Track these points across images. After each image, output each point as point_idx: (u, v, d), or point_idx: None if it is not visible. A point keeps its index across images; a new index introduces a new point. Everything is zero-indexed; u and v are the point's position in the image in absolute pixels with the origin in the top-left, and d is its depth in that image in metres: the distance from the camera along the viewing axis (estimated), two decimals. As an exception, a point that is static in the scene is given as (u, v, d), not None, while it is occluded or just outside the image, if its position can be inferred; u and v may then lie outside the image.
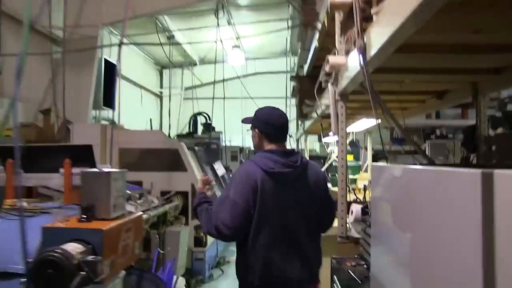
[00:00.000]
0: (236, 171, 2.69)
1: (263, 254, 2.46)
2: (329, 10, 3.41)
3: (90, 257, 2.01)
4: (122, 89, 10.49)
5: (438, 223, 1.24)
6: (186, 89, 15.79)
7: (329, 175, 7.40)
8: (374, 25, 2.11)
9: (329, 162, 7.80)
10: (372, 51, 2.08)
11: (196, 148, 6.89)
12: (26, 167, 3.99)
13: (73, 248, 2.00)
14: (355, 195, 5.04)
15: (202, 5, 9.76)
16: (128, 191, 4.29)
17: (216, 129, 11.51)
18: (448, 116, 9.55)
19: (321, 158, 9.75)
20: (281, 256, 2.49)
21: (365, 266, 2.85)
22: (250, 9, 10.83)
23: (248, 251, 2.49)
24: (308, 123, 6.72)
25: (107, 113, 9.03)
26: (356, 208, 3.34)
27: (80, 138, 5.80)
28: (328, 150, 8.11)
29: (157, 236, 4.38)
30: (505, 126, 4.42)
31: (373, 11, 2.07)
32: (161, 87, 16.06)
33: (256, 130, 2.70)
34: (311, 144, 11.06)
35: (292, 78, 7.37)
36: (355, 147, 8.50)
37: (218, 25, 8.42)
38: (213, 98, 9.58)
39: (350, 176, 6.32)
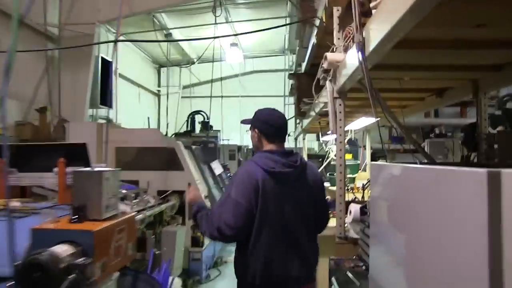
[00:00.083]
0: (237, 171, 2.69)
1: (264, 254, 2.47)
2: (327, 5, 3.37)
3: (79, 260, 1.94)
4: (120, 87, 10.51)
5: (441, 224, 1.19)
6: (184, 87, 15.75)
7: (328, 174, 7.35)
8: (373, 20, 2.05)
9: (328, 161, 7.75)
10: (371, 46, 2.03)
11: (193, 147, 6.83)
12: (20, 166, 3.94)
13: (62, 250, 1.94)
14: (354, 194, 4.98)
15: (199, 2, 9.70)
16: (124, 191, 4.24)
17: (214, 128, 11.47)
18: (446, 114, 9.53)
19: (320, 157, 9.71)
20: (281, 256, 2.51)
21: (364, 267, 2.79)
22: (248, 6, 10.77)
23: (248, 251, 2.49)
24: (306, 122, 6.66)
25: (104, 111, 8.95)
26: (354, 208, 3.29)
27: (76, 137, 5.73)
28: (327, 149, 8.06)
29: (153, 236, 4.32)
30: (505, 124, 4.38)
31: (372, 4, 2.01)
32: (159, 85, 16.00)
33: (256, 130, 2.71)
34: (309, 143, 11.02)
35: (290, 76, 7.33)
36: (353, 146, 8.47)
37: (215, 22, 8.34)
38: (210, 96, 9.53)
39: (349, 175, 6.27)
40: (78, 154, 3.81)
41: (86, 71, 7.56)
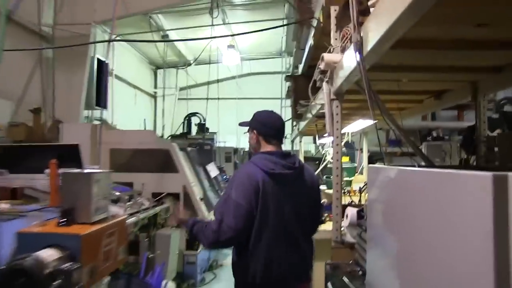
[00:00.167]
0: (236, 173, 2.73)
1: (264, 255, 2.49)
2: (324, 5, 3.32)
3: (66, 265, 1.88)
4: (116, 89, 10.46)
5: (442, 230, 1.14)
6: (181, 89, 15.69)
7: (324, 177, 7.29)
8: (371, 18, 2.00)
9: (324, 163, 7.68)
10: (369, 45, 1.97)
11: (188, 149, 6.76)
12: (12, 167, 3.88)
13: (48, 255, 1.87)
14: (350, 197, 4.92)
15: (196, 4, 9.65)
16: (117, 193, 4.18)
17: (211, 130, 11.42)
18: (444, 118, 9.49)
19: (316, 159, 9.65)
20: (281, 256, 2.54)
21: (360, 272, 2.73)
22: (245, 8, 10.72)
23: (249, 252, 2.50)
24: (303, 124, 6.61)
25: (99, 113, 8.89)
26: (351, 212, 3.22)
27: (70, 138, 5.66)
28: (323, 152, 7.99)
29: (146, 239, 4.25)
30: (502, 127, 4.34)
31: (370, 2, 1.96)
32: (156, 87, 15.93)
33: (255, 131, 2.74)
34: (306, 146, 10.96)
35: (287, 77, 7.28)
36: (350, 149, 8.40)
37: (212, 23, 8.29)
38: (207, 98, 9.49)
39: (345, 178, 6.21)
40: (70, 155, 3.76)
41: (81, 72, 7.50)
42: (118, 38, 9.96)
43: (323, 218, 4.86)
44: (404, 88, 3.58)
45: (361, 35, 2.07)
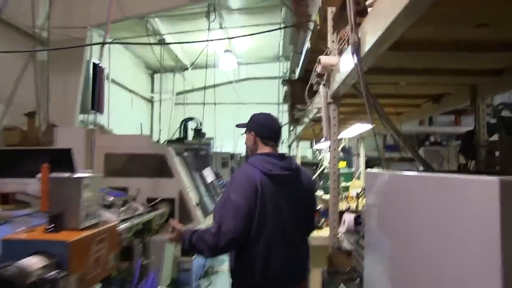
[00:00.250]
0: (235, 174, 2.74)
1: (262, 255, 2.50)
2: (321, 7, 3.27)
3: (52, 273, 1.81)
4: (112, 93, 10.41)
5: (444, 237, 1.09)
6: (178, 94, 15.63)
7: (321, 182, 7.24)
8: (368, 19, 1.95)
9: (321, 168, 7.63)
10: (367, 46, 1.92)
11: (184, 154, 6.69)
12: (4, 171, 3.81)
13: (33, 262, 1.80)
14: (348, 203, 4.87)
15: (193, 8, 9.61)
16: (111, 198, 4.11)
17: (208, 135, 11.36)
18: (441, 123, 9.47)
19: (313, 164, 9.60)
20: (279, 257, 2.55)
21: (358, 280, 2.67)
22: (242, 12, 10.68)
23: (247, 253, 2.51)
24: (299, 129, 6.57)
25: (95, 117, 8.82)
26: (348, 218, 3.18)
27: (64, 142, 5.58)
28: (320, 157, 7.95)
29: (140, 245, 4.17)
30: (500, 132, 4.29)
31: (368, 2, 1.91)
32: (152, 91, 15.87)
33: (252, 132, 2.76)
34: (303, 151, 10.91)
35: (283, 82, 7.24)
36: (347, 154, 8.36)
37: (209, 27, 8.25)
38: (203, 103, 9.44)
39: (343, 184, 6.17)
40: (63, 159, 3.69)
41: (76, 76, 7.43)
42: (111, 40, 9.92)
43: (320, 224, 4.83)
44: (401, 92, 3.54)
45: (359, 36, 2.02)
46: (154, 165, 5.77)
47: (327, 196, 4.91)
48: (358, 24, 2.08)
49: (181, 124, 11.10)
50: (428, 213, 1.18)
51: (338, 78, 2.67)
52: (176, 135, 10.87)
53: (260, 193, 2.48)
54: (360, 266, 2.64)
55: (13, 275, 1.67)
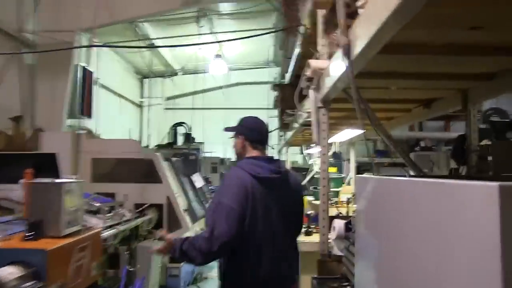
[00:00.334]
0: (225, 178, 2.71)
1: (253, 258, 2.50)
2: (311, 11, 3.23)
3: (28, 284, 1.73)
4: (101, 98, 10.30)
5: (439, 245, 1.03)
6: (167, 99, 15.54)
7: (311, 187, 7.19)
8: (359, 21, 1.90)
9: (311, 174, 7.59)
10: (357, 49, 1.87)
11: (173, 159, 6.62)
12: (-14, 177, 3.71)
13: (8, 273, 1.71)
14: (338, 209, 4.81)
15: (183, 13, 9.56)
16: (97, 204, 4.03)
17: (198, 140, 11.30)
18: (430, 128, 9.50)
19: (303, 170, 9.57)
20: (270, 259, 2.54)
21: (348, 287, 2.62)
22: (233, 17, 10.65)
23: (238, 256, 2.50)
24: (289, 134, 6.53)
25: (84, 122, 8.73)
26: (338, 224, 3.11)
27: (50, 147, 5.49)
28: (310, 162, 7.91)
29: (126, 252, 4.09)
30: (490, 137, 4.28)
31: (358, 3, 1.86)
32: (142, 96, 15.75)
33: (242, 136, 2.75)
34: (293, 156, 10.87)
35: (273, 86, 7.20)
36: (338, 159, 8.33)
37: (198, 32, 8.20)
38: (193, 108, 9.38)
39: (333, 189, 6.11)
40: (48, 164, 3.61)
41: (64, 80, 7.35)
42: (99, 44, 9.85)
43: (311, 229, 4.78)
44: (392, 97, 3.50)
45: (349, 38, 1.97)
46: (142, 170, 5.69)
47: (317, 202, 4.86)
48: (348, 27, 2.04)
49: (170, 129, 11.05)
50: (422, 219, 1.13)
51: (328, 82, 2.62)
52: (166, 140, 10.81)
53: (251, 196, 2.48)
54: (351, 273, 2.59)
55: (-15, 287, 1.59)
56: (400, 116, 4.36)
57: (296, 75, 5.19)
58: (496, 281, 0.79)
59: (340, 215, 4.34)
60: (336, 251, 3.07)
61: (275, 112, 8.11)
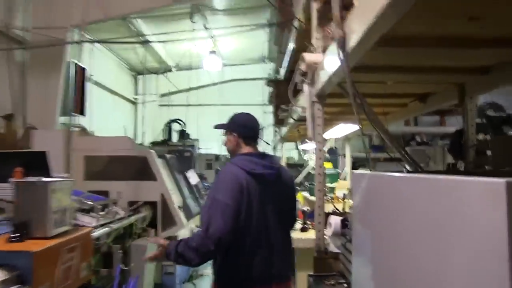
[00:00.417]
0: (219, 175, 2.70)
1: (248, 254, 2.50)
2: (305, 4, 3.18)
3: None
4: (95, 95, 10.21)
5: (441, 241, 0.99)
6: (162, 95, 15.45)
7: (307, 183, 7.15)
8: (354, 12, 1.85)
9: (307, 170, 7.54)
10: (353, 41, 1.82)
11: (167, 156, 6.55)
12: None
13: (-9, 276, 1.66)
14: (334, 205, 4.77)
15: (176, 9, 9.48)
16: (90, 202, 3.97)
17: (193, 137, 11.23)
18: (425, 123, 9.46)
19: (299, 166, 9.53)
20: (265, 255, 2.55)
21: (345, 285, 2.57)
22: (227, 13, 10.56)
23: (233, 252, 2.49)
24: (284, 130, 6.48)
25: (77, 119, 8.64)
26: (335, 221, 3.08)
27: (42, 145, 5.41)
28: (306, 158, 7.86)
29: (119, 251, 4.02)
30: (487, 131, 4.24)
31: (353, -6, 1.81)
32: (136, 93, 15.64)
33: (234, 133, 2.75)
34: (288, 152, 10.82)
35: (268, 82, 7.14)
36: (333, 155, 8.30)
37: (192, 27, 8.12)
38: (187, 105, 9.31)
39: (328, 185, 6.08)
40: (38, 163, 3.54)
41: (56, 77, 7.25)
42: (96, 43, 9.78)
43: (307, 225, 4.74)
44: (388, 91, 3.45)
45: (344, 30, 1.92)
46: (135, 167, 5.62)
47: (313, 198, 4.81)
48: (343, 19, 1.99)
49: (165, 126, 10.97)
50: (422, 216, 1.09)
51: (323, 77, 2.57)
52: (160, 137, 10.73)
53: (246, 192, 2.48)
54: (348, 271, 2.55)
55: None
56: (396, 111, 4.31)
57: (291, 71, 5.13)
58: (504, 280, 0.75)
59: (336, 211, 4.31)
60: (333, 248, 3.03)
61: (270, 108, 8.07)
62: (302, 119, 3.86)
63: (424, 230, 1.08)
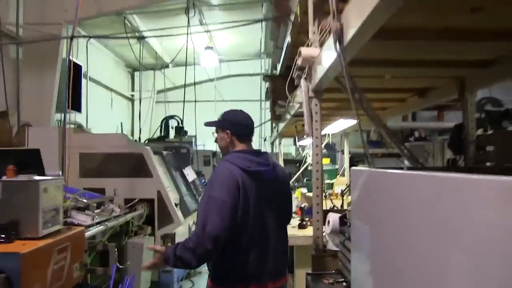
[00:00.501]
0: (215, 172, 2.66)
1: (244, 252, 2.50)
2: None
3: (-2, 291, 1.61)
4: (91, 92, 10.13)
5: (446, 242, 0.94)
6: (158, 92, 15.37)
7: (305, 179, 7.11)
8: (351, 4, 1.80)
9: (305, 166, 7.50)
10: (350, 34, 1.77)
11: (164, 152, 6.49)
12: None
13: (-23, 279, 1.60)
14: (332, 202, 4.73)
15: (172, 4, 9.40)
16: (85, 200, 3.92)
17: (190, 133, 11.16)
18: (423, 118, 9.42)
19: (297, 162, 9.48)
20: (261, 253, 2.55)
21: (344, 283, 2.53)
22: (223, 9, 10.50)
23: (228, 249, 2.47)
24: (282, 125, 6.43)
25: (74, 116, 8.57)
26: (333, 218, 3.03)
27: (37, 143, 5.35)
28: (304, 154, 7.81)
29: (115, 249, 3.97)
30: (485, 126, 4.20)
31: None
32: (133, 90, 15.57)
33: (228, 131, 2.73)
34: (286, 148, 10.77)
35: (264, 78, 7.08)
36: (331, 150, 8.25)
37: (188, 23, 8.03)
38: (184, 101, 9.23)
39: (327, 181, 6.04)
40: (32, 160, 3.48)
41: (51, 74, 7.17)
42: (92, 40, 9.70)
43: (305, 222, 4.70)
44: (386, 86, 3.40)
45: (341, 23, 1.86)
46: (131, 164, 5.56)
47: (311, 194, 4.78)
48: (340, 11, 1.93)
49: (162, 122, 10.90)
50: (427, 215, 1.04)
51: (320, 71, 2.53)
52: (157, 134, 10.66)
53: (242, 189, 2.47)
54: (346, 269, 2.51)
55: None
56: (394, 106, 4.26)
57: (287, 66, 5.09)
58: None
59: (335, 208, 4.27)
60: (331, 246, 2.99)
61: (268, 104, 8.01)
62: (299, 115, 3.81)
63: (426, 228, 1.03)
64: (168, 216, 5.45)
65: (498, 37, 2.05)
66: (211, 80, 14.88)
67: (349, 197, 3.68)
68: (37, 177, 2.10)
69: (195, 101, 10.18)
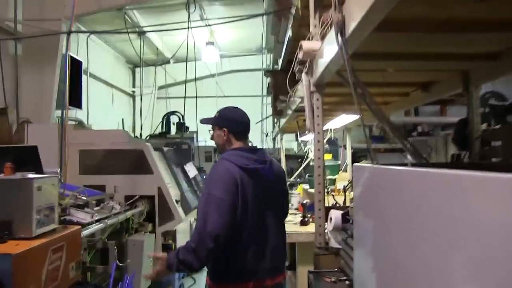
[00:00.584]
0: (213, 171, 2.65)
1: (243, 249, 2.52)
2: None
3: (-12, 294, 1.57)
4: (92, 88, 10.09)
5: (453, 241, 0.89)
6: (160, 88, 15.32)
7: (307, 175, 7.06)
8: (353, -6, 1.74)
9: (307, 161, 7.45)
10: (352, 26, 1.71)
11: (165, 148, 6.44)
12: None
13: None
14: (334, 198, 4.67)
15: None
16: (84, 197, 3.88)
17: (191, 129, 11.12)
18: (426, 113, 9.36)
19: (299, 157, 9.43)
20: (259, 250, 2.58)
21: (347, 282, 2.48)
22: (224, 4, 10.44)
23: (228, 247, 2.47)
24: (283, 121, 6.38)
25: (75, 113, 8.53)
26: (335, 215, 2.97)
27: (36, 140, 5.31)
28: (306, 149, 7.76)
29: (115, 247, 3.93)
30: (489, 121, 4.14)
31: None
32: (134, 86, 15.53)
33: (225, 129, 2.75)
34: (288, 143, 10.71)
35: (266, 73, 7.02)
36: (333, 146, 8.20)
37: (189, 18, 7.97)
38: (184, 97, 9.17)
39: (329, 177, 5.99)
40: (30, 157, 3.44)
41: (51, 70, 7.13)
42: (92, 36, 9.66)
43: (307, 219, 4.66)
44: (389, 80, 3.34)
45: (343, 14, 1.81)
46: (132, 161, 5.50)
47: (312, 190, 4.73)
48: (342, 3, 1.88)
49: (163, 118, 10.86)
50: (430, 213, 1.00)
51: (321, 64, 2.47)
52: (159, 130, 10.62)
53: (240, 186, 2.49)
54: (349, 267, 2.47)
55: None
56: (397, 100, 4.20)
57: (288, 60, 5.03)
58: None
59: (337, 205, 4.22)
60: (333, 243, 2.94)
61: (269, 99, 7.96)
62: (300, 110, 3.76)
63: (434, 227, 0.98)
64: (169, 212, 5.41)
65: (503, 28, 1.99)
66: (212, 75, 14.83)
67: (351, 193, 3.63)
68: (30, 175, 2.05)
69: (196, 97, 10.13)
